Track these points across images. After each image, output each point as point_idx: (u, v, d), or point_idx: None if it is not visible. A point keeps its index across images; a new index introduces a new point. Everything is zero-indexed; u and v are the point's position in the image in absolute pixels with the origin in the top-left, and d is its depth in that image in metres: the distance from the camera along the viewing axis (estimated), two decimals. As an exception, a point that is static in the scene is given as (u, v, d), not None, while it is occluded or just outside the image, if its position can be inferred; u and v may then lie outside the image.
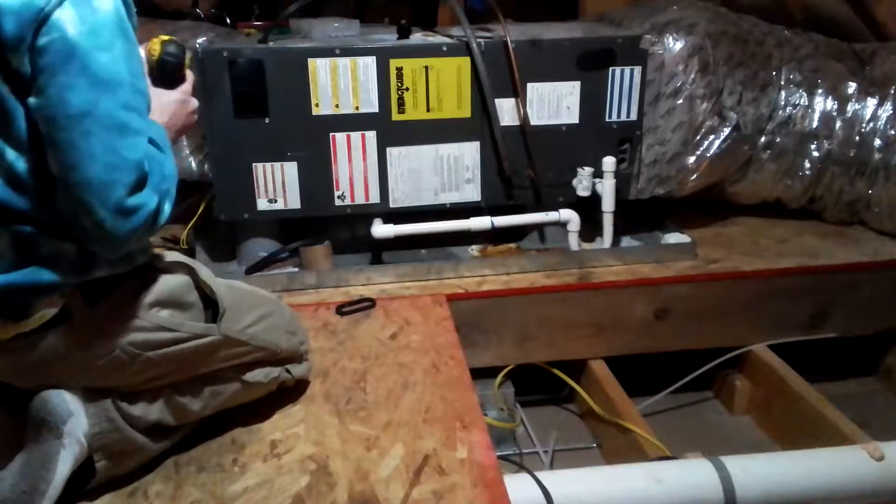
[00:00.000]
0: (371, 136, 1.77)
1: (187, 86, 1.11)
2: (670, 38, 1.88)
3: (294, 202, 1.79)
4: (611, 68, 1.80)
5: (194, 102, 1.12)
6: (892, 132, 1.98)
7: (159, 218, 0.94)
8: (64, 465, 1.00)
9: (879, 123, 2.00)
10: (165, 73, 1.09)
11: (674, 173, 1.93)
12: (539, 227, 1.98)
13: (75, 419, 1.02)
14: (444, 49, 1.73)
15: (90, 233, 0.89)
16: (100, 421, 1.04)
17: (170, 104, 1.07)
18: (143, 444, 1.09)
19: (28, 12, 0.81)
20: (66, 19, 0.82)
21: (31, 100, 0.85)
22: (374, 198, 1.82)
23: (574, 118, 1.83)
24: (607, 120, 1.85)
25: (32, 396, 1.03)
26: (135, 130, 0.89)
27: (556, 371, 1.88)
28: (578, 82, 1.80)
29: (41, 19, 0.82)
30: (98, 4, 0.85)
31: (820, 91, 2.02)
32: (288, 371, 1.28)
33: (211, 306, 1.13)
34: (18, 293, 0.93)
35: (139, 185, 0.89)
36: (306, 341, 1.35)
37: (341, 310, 1.65)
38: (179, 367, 1.10)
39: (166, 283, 1.08)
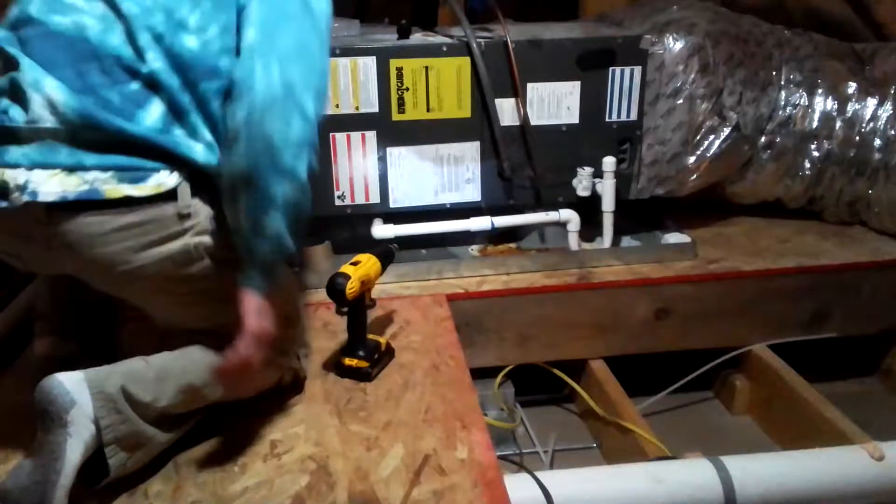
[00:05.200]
0: (371, 136, 1.77)
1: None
2: (670, 38, 1.87)
3: (294, 202, 1.79)
4: (611, 68, 1.80)
5: None
6: (892, 132, 1.98)
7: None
8: (73, 453, 0.98)
9: (879, 123, 1.99)
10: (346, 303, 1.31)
11: (674, 173, 1.93)
12: (539, 227, 1.98)
13: (78, 407, 1.01)
14: (444, 49, 1.73)
15: None
16: (108, 413, 1.03)
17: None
18: (153, 434, 1.09)
19: None
20: None
21: None
22: (374, 198, 1.82)
23: (574, 118, 1.83)
24: (607, 120, 1.85)
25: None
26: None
27: (556, 371, 1.88)
28: (578, 82, 1.80)
29: None
30: None
31: (820, 91, 2.02)
32: (297, 357, 1.30)
33: None
34: (150, 152, 1.01)
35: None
36: (307, 331, 1.39)
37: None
38: (208, 300, 1.13)
39: None
